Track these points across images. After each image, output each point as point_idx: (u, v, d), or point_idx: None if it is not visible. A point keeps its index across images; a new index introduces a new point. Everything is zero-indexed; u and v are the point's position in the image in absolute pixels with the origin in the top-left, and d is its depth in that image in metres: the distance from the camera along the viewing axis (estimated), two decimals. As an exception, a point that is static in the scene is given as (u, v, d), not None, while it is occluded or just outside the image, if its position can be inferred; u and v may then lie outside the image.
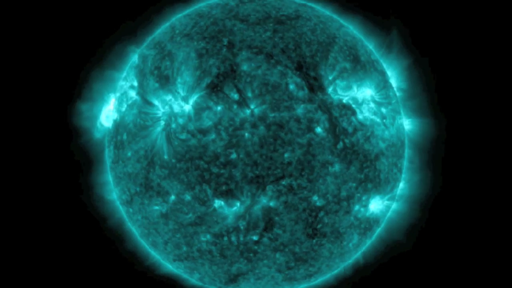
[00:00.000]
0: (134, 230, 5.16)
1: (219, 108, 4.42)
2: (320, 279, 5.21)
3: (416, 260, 5.40)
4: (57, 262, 5.55)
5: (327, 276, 5.21)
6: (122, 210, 5.15)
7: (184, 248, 4.77)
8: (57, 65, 5.45)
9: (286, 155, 4.39)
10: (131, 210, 4.95)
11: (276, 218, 4.51)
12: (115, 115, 4.97)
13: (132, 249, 5.28)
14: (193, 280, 5.17)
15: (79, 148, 5.20)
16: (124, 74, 5.06)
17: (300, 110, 4.43)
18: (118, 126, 4.87)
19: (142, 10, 5.25)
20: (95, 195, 5.25)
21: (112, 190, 5.16)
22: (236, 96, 4.42)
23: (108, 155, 5.09)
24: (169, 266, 5.19)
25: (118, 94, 5.00)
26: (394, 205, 5.14)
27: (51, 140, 5.41)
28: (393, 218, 5.20)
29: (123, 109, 4.85)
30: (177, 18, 5.08)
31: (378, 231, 5.16)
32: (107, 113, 5.07)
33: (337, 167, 4.49)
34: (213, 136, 4.39)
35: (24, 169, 5.47)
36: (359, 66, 4.75)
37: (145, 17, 5.19)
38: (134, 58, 5.00)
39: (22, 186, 5.48)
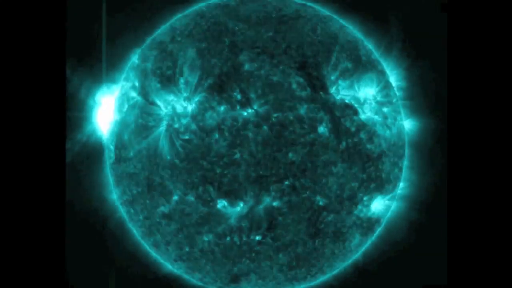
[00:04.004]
0: (135, 230, 5.14)
1: (222, 108, 4.41)
2: (321, 279, 5.22)
3: (416, 259, 5.41)
4: (57, 262, 5.52)
5: (328, 276, 5.22)
6: (122, 211, 5.13)
7: (186, 249, 4.76)
8: (57, 65, 5.42)
9: (289, 155, 4.39)
10: (132, 210, 4.93)
11: (279, 218, 4.51)
12: (116, 116, 4.95)
13: (133, 249, 5.26)
14: (194, 280, 5.16)
15: (79, 148, 5.18)
16: (125, 74, 5.04)
17: (303, 110, 4.43)
18: (120, 126, 4.85)
19: (142, 10, 5.24)
20: (95, 195, 5.23)
21: (112, 190, 5.14)
22: (239, 96, 4.41)
23: (108, 155, 5.07)
24: (169, 266, 5.17)
25: (119, 94, 4.98)
26: (395, 205, 5.16)
27: (50, 140, 5.38)
28: (393, 218, 5.22)
29: (125, 109, 4.83)
30: (178, 18, 5.07)
31: (379, 230, 5.18)
32: (107, 113, 5.05)
33: (340, 167, 4.50)
34: (216, 136, 4.39)
35: (23, 169, 5.44)
36: (360, 66, 4.76)
37: (146, 17, 5.17)
38: (134, 58, 4.99)
39: (21, 186, 5.45)
